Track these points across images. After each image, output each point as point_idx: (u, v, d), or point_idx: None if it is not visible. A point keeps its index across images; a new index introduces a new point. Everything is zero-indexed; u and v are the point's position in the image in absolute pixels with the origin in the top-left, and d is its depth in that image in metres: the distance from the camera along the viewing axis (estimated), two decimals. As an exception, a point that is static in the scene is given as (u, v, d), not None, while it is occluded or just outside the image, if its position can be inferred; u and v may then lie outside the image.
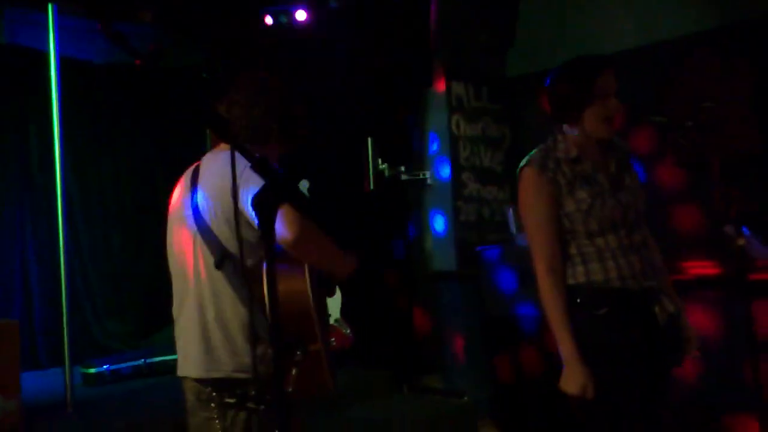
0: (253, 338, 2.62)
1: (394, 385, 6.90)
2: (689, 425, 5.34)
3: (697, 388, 5.45)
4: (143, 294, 9.03)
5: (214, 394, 2.74)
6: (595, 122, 3.03)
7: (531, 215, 3.07)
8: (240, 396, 2.60)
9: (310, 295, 2.48)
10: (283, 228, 2.48)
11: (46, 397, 6.18)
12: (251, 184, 2.50)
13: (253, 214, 2.36)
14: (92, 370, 6.94)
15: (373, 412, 6.35)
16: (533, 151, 3.14)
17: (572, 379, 2.93)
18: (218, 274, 2.71)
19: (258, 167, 1.87)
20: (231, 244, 2.69)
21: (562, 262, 3.04)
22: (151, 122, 9.18)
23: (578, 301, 3.00)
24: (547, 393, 2.98)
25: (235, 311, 2.70)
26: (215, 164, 2.81)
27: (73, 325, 6.66)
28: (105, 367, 6.99)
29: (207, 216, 2.74)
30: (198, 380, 2.79)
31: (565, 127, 3.13)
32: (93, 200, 8.84)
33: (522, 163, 3.12)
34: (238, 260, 2.64)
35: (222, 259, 2.69)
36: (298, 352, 2.48)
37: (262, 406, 2.54)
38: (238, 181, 2.54)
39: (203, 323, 2.76)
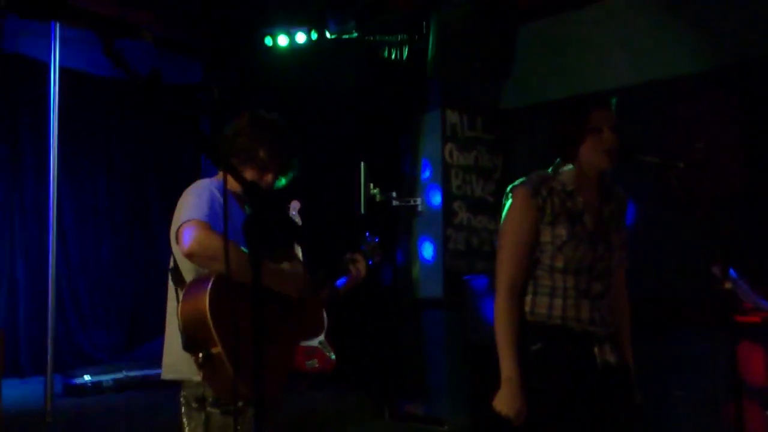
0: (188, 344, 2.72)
1: (375, 411, 6.90)
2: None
3: (680, 429, 5.45)
4: (130, 306, 9.02)
5: (181, 398, 2.93)
6: (592, 155, 3.08)
7: (510, 231, 3.10)
8: (199, 400, 2.85)
9: (207, 304, 2.61)
10: (182, 240, 2.69)
11: (26, 406, 6.16)
12: (183, 205, 2.78)
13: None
14: (74, 381, 6.92)
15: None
16: (531, 174, 3.18)
17: (507, 401, 2.93)
18: (172, 284, 2.91)
19: (249, 191, 1.94)
20: (178, 259, 2.89)
21: (523, 282, 3.08)
22: (147, 136, 9.21)
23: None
24: (528, 423, 2.97)
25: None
26: (192, 185, 2.97)
27: (58, 333, 6.64)
28: (86, 378, 6.97)
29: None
30: (176, 382, 2.95)
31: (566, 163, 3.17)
32: (85, 210, 8.85)
33: (516, 183, 3.16)
34: (180, 273, 2.86)
35: (174, 271, 2.90)
36: (200, 354, 2.63)
37: (218, 410, 2.81)
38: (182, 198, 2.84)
39: (169, 328, 2.93)
